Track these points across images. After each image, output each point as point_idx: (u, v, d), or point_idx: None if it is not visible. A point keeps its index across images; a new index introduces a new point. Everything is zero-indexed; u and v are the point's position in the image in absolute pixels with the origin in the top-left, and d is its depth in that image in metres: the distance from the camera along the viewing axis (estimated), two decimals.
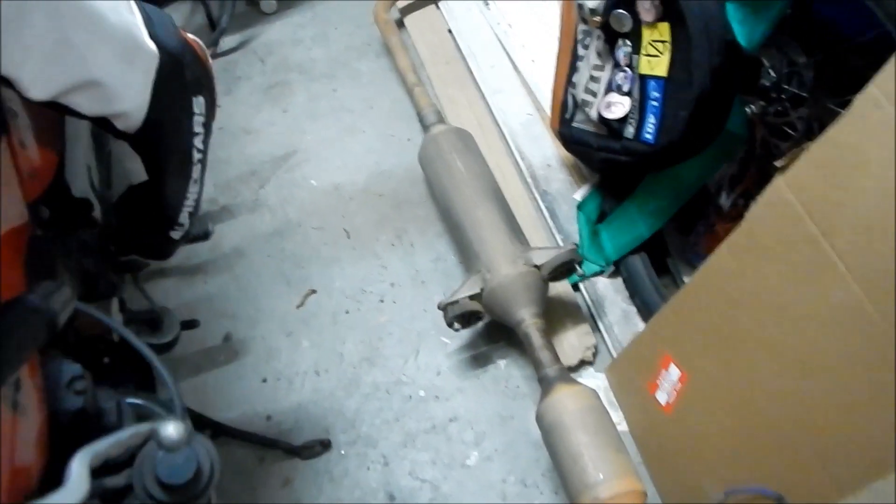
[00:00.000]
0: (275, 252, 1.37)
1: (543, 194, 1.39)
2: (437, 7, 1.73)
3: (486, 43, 1.63)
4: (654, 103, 1.07)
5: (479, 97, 1.56)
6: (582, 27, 1.24)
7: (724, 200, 1.23)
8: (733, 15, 0.99)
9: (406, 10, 1.72)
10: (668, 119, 1.04)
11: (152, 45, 0.69)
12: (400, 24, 1.73)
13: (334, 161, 1.51)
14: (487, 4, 1.71)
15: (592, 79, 1.22)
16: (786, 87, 1.08)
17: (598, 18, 1.15)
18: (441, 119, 1.43)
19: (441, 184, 1.30)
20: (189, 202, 0.85)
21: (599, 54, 1.19)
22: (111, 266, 0.92)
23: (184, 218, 0.86)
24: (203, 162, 0.84)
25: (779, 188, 0.83)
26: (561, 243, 1.34)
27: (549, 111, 1.48)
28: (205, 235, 1.17)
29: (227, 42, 1.72)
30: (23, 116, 0.71)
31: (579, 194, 1.37)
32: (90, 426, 0.62)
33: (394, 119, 1.57)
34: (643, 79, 1.09)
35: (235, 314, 1.30)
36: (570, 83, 1.27)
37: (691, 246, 1.29)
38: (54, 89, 0.62)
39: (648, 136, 1.08)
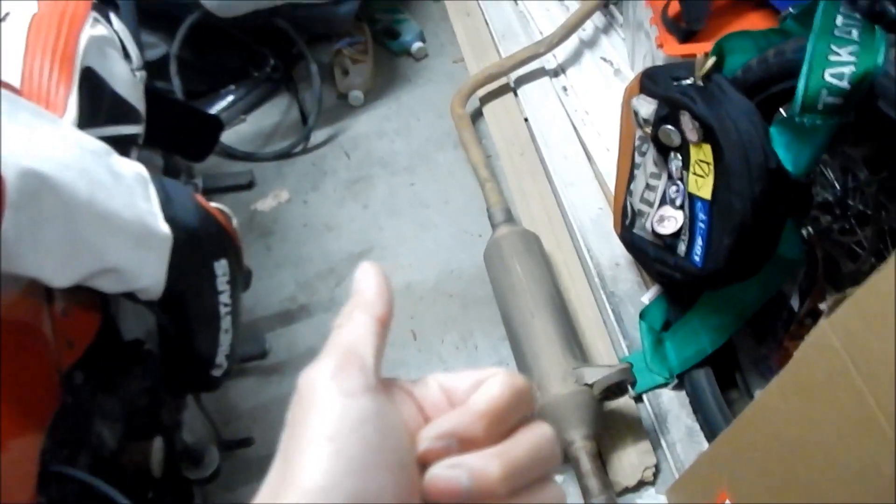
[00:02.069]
0: None
1: (610, 296, 1.36)
2: (515, 95, 1.74)
3: (562, 132, 1.62)
4: (702, 225, 1.02)
5: (551, 190, 1.55)
6: (639, 133, 1.21)
7: (793, 316, 1.15)
8: (777, 139, 0.93)
9: (485, 99, 1.75)
10: (713, 244, 0.99)
11: (165, 229, 0.74)
12: (480, 112, 1.75)
13: (407, 258, 1.55)
14: (566, 91, 1.70)
15: (648, 187, 1.18)
16: (850, 203, 1.00)
17: (649, 130, 1.12)
18: (509, 218, 1.44)
19: (501, 289, 1.31)
20: (223, 348, 0.90)
21: (655, 163, 1.16)
22: (171, 392, 1.00)
23: (220, 360, 0.91)
24: (234, 312, 0.89)
25: (824, 332, 0.77)
26: (626, 349, 1.30)
27: None
28: (262, 355, 1.23)
29: (317, 136, 1.81)
30: None
31: (647, 297, 1.32)
32: None
33: (467, 214, 1.59)
34: (692, 197, 1.05)
35: None
36: (628, 190, 1.24)
37: (763, 357, 1.21)
38: (75, 278, 0.69)
39: (696, 259, 1.03)
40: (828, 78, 0.86)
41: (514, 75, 1.74)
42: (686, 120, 1.00)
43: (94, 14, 0.88)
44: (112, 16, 0.93)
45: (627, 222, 1.26)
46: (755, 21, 1.29)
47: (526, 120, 1.69)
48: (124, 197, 0.71)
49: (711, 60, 1.01)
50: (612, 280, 1.37)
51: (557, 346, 1.18)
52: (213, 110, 1.88)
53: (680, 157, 1.08)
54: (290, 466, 0.26)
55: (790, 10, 0.98)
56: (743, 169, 0.92)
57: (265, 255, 1.61)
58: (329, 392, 0.27)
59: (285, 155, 1.79)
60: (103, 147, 0.72)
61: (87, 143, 0.71)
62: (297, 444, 0.26)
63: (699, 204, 1.02)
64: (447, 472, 0.27)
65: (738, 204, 0.93)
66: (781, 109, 1.03)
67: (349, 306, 0.31)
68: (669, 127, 1.06)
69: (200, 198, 0.80)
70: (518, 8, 1.94)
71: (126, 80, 0.90)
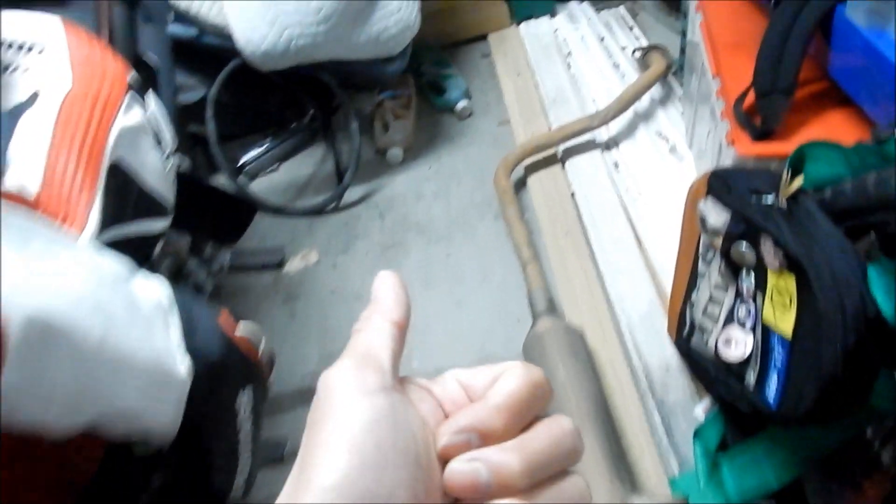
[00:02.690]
0: None
1: (660, 405, 1.25)
2: (563, 166, 1.65)
3: (611, 212, 1.53)
4: (778, 361, 0.92)
5: (598, 277, 1.45)
6: (704, 238, 1.11)
7: (874, 454, 1.04)
8: (876, 282, 0.82)
9: (531, 168, 1.66)
10: (792, 387, 0.89)
11: (184, 371, 0.66)
12: (524, 180, 1.66)
13: (440, 338, 1.45)
14: (617, 167, 1.60)
15: (712, 300, 1.08)
16: None
17: (718, 241, 1.03)
18: (552, 307, 1.34)
19: None
20: (241, 476, 0.81)
21: (722, 275, 1.06)
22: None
23: (238, 485, 0.82)
24: (255, 439, 0.80)
25: None
26: (676, 467, 1.19)
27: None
28: (279, 458, 1.14)
29: (351, 193, 1.73)
30: None
31: (701, 410, 1.21)
32: None
33: (505, 293, 1.50)
34: (766, 327, 0.94)
35: None
36: (688, 299, 1.14)
37: (835, 494, 1.09)
38: (78, 428, 0.61)
39: (770, 397, 0.93)
40: None
41: (562, 145, 1.65)
42: (768, 246, 0.90)
43: (131, 94, 0.80)
44: (149, 95, 0.86)
45: (685, 332, 1.16)
46: (838, 121, 1.18)
47: (573, 195, 1.60)
48: (141, 333, 0.63)
49: (799, 181, 0.91)
50: (663, 387, 1.27)
51: (604, 468, 1.08)
52: (247, 156, 1.81)
53: (753, 277, 0.98)
54: (306, 467, 0.26)
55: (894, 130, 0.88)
56: (836, 315, 0.81)
57: (288, 323, 1.53)
58: (345, 392, 0.28)
59: (317, 211, 1.71)
60: (123, 272, 0.64)
61: (106, 268, 0.62)
62: (314, 444, 0.27)
63: (776, 337, 0.92)
64: (466, 466, 0.27)
65: (828, 352, 0.82)
66: (874, 233, 0.93)
67: (367, 311, 0.33)
68: (745, 245, 0.96)
69: (227, 321, 0.71)
70: (570, 71, 1.85)
71: (156, 171, 0.82)
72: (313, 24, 1.36)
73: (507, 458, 0.27)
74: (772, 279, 0.94)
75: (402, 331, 0.32)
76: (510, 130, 1.80)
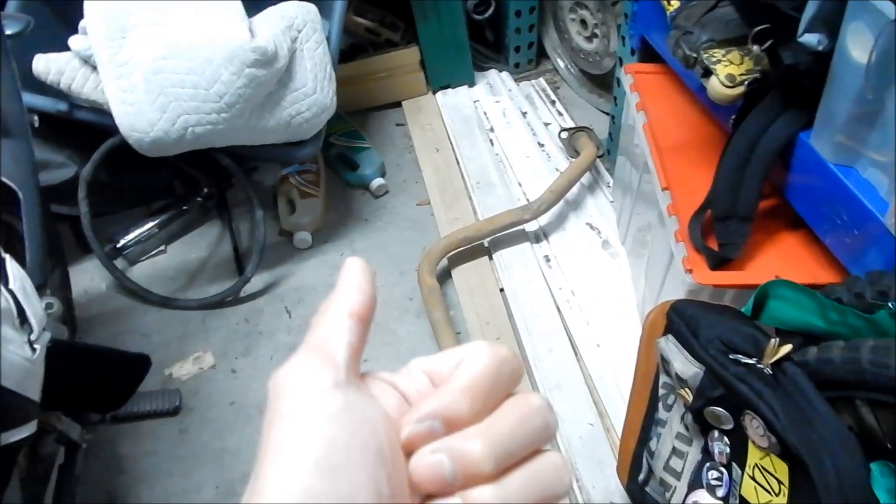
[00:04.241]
0: None
1: None
2: (491, 259, 1.52)
3: (545, 315, 1.41)
4: None
5: (531, 389, 1.33)
6: (665, 379, 1.01)
7: None
8: (879, 482, 0.74)
9: (455, 260, 1.52)
10: None
11: None
12: (447, 272, 1.52)
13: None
14: (549, 262, 1.50)
15: (676, 452, 0.98)
16: None
17: (686, 393, 0.92)
18: None
19: None
20: None
21: (687, 427, 0.96)
22: None
23: None
24: None
25: None
26: None
27: (615, 426, 1.26)
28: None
29: (253, 282, 1.53)
30: None
31: None
32: None
33: None
34: None
35: None
36: (645, 441, 1.04)
37: None
38: None
39: None
40: None
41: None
42: (755, 424, 0.81)
43: None
44: (8, 264, 0.65)
45: (641, 477, 1.05)
46: (793, 243, 1.12)
47: (502, 290, 1.47)
48: None
49: (787, 348, 0.82)
50: None
51: None
52: (127, 237, 1.57)
53: (728, 444, 0.89)
54: (258, 475, 0.25)
55: (888, 306, 0.80)
56: None
57: (178, 442, 1.30)
58: (295, 392, 0.26)
59: (213, 305, 1.50)
60: None
61: None
62: (265, 450, 0.25)
63: None
64: (428, 459, 0.26)
65: None
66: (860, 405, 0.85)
67: (325, 302, 0.30)
68: (720, 410, 0.86)
69: None
70: (493, 150, 1.73)
71: (20, 369, 0.62)
72: (214, 112, 1.16)
73: (470, 445, 0.26)
74: (755, 455, 0.84)
75: (363, 322, 0.29)
76: (430, 210, 1.66)
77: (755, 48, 1.00)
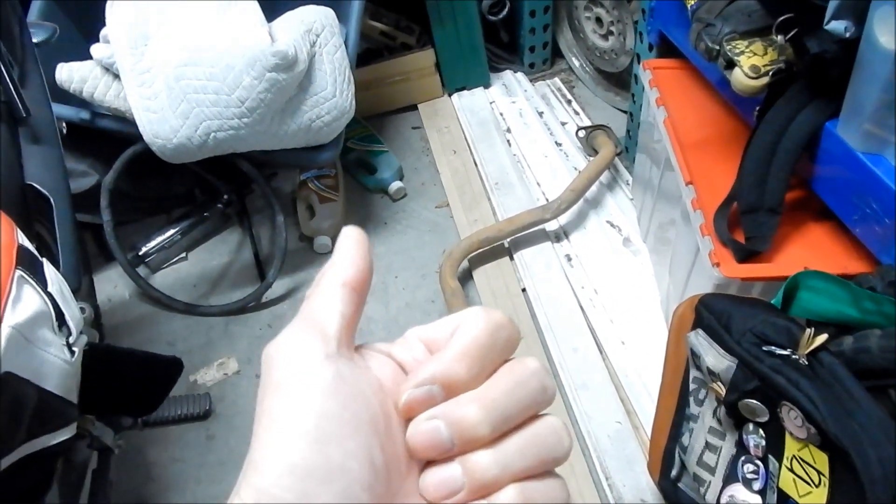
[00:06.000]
0: None
1: None
2: (511, 259, 1.52)
3: (568, 314, 1.41)
4: None
5: (559, 391, 1.32)
6: (695, 373, 1.00)
7: None
8: None
9: (476, 261, 1.52)
10: None
11: None
12: (469, 273, 1.52)
13: None
14: (570, 261, 1.49)
15: (709, 447, 0.97)
16: None
17: (718, 387, 0.91)
18: None
19: None
20: None
21: (719, 420, 0.95)
22: None
23: None
24: None
25: None
26: None
27: (643, 424, 1.25)
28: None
29: (274, 287, 1.53)
30: None
31: None
32: None
33: None
34: (785, 496, 0.84)
35: None
36: (676, 438, 1.03)
37: None
38: None
39: None
40: None
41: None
42: (793, 415, 0.80)
43: (20, 273, 0.60)
44: (46, 268, 0.65)
45: (674, 473, 1.04)
46: (822, 235, 1.11)
47: (524, 290, 1.47)
48: None
49: (823, 337, 0.81)
50: None
51: None
52: (149, 245, 1.58)
53: (764, 436, 0.88)
54: (252, 449, 0.25)
55: None
56: None
57: (206, 449, 1.31)
58: (284, 364, 0.26)
59: (235, 311, 1.50)
60: None
61: None
62: (258, 423, 0.25)
63: None
64: (425, 426, 0.26)
65: None
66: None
67: (320, 274, 0.29)
68: (755, 402, 0.86)
69: None
70: (511, 150, 1.73)
71: (57, 370, 0.62)
72: (236, 118, 1.17)
73: (466, 410, 0.26)
74: (792, 446, 0.83)
75: (357, 292, 0.29)
76: (449, 213, 1.66)
77: (779, 38, 0.99)
